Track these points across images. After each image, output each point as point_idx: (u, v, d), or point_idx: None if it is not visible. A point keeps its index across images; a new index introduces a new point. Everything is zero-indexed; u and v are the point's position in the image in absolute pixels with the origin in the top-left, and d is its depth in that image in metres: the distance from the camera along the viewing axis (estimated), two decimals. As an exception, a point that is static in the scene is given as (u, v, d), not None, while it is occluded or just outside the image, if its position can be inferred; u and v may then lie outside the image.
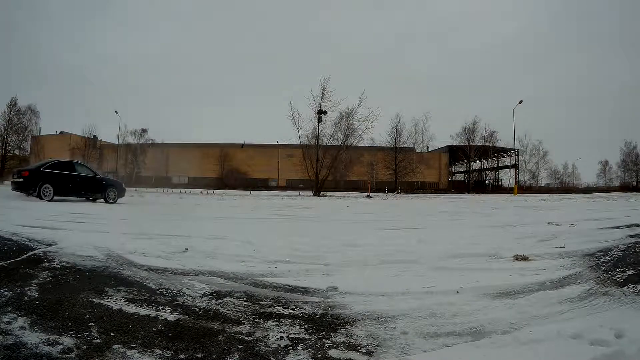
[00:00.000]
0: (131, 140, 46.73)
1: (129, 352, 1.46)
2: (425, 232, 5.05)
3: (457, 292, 2.26)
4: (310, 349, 1.55)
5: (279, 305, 2.07)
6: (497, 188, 44.77)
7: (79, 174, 10.67)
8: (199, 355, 1.48)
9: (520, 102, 32.26)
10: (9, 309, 1.80)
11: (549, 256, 3.19)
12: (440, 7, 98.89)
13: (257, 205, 11.59)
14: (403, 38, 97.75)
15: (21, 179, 9.85)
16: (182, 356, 1.46)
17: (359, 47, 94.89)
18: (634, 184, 44.75)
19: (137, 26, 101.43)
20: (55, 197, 9.94)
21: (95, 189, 10.78)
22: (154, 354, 1.46)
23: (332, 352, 1.53)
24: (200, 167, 46.34)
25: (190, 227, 5.16)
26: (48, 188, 9.77)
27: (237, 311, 1.96)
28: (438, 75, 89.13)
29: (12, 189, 10.17)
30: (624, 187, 41.81)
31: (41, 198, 9.64)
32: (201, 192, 25.02)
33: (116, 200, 10.93)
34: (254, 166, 47.34)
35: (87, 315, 1.80)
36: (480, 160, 48.92)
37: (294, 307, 2.05)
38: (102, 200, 10.78)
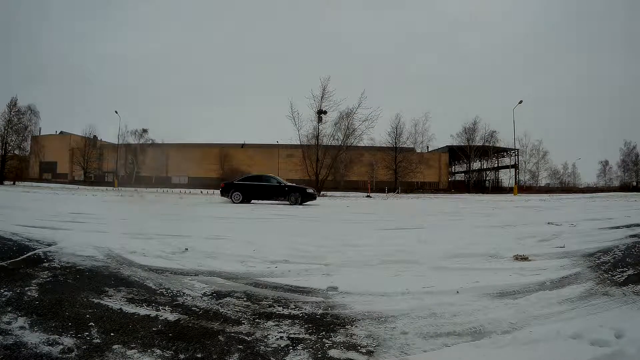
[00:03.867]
0: (131, 140, 46.78)
1: (129, 352, 1.46)
2: (425, 232, 5.05)
3: (457, 292, 2.26)
4: (310, 349, 1.55)
5: (279, 305, 2.06)
6: (497, 188, 44.77)
7: (266, 183, 13.65)
8: (199, 355, 1.48)
9: (520, 102, 32.23)
10: (9, 309, 1.81)
11: (549, 256, 3.19)
12: (441, 8, 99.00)
13: (256, 205, 11.60)
14: (403, 38, 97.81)
15: (220, 189, 13.94)
16: (182, 356, 1.46)
17: (359, 47, 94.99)
18: (634, 184, 44.75)
19: (137, 26, 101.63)
20: (245, 201, 13.09)
21: (279, 193, 13.31)
22: (154, 354, 1.46)
23: (332, 352, 1.53)
24: (200, 167, 46.38)
25: (190, 227, 5.16)
26: (238, 194, 13.16)
27: (237, 311, 1.96)
28: (438, 75, 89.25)
29: (221, 195, 13.93)
30: (624, 187, 41.81)
31: (233, 201, 12.97)
32: (201, 192, 25.02)
33: (298, 202, 12.95)
34: (254, 166, 47.23)
35: (87, 315, 1.80)
36: (480, 160, 48.92)
37: (294, 307, 2.05)
38: (287, 202, 13.08)
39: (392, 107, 79.93)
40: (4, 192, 16.10)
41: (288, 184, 14.05)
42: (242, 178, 14.34)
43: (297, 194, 13.24)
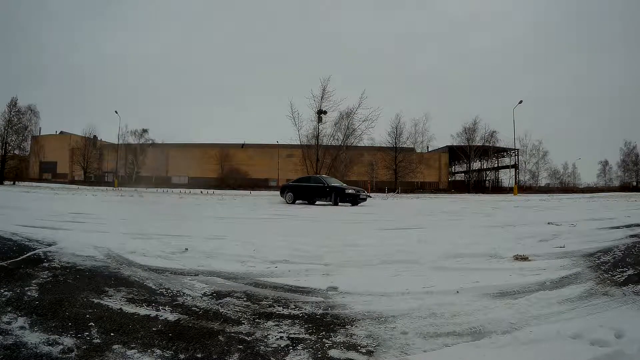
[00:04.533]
0: (131, 140, 46.79)
1: (129, 352, 1.46)
2: (425, 232, 5.05)
3: (457, 292, 2.26)
4: (310, 349, 1.55)
5: (279, 305, 2.07)
6: (497, 188, 44.76)
7: (312, 184, 14.02)
8: (199, 355, 1.48)
9: (520, 102, 32.25)
10: (9, 309, 1.81)
11: (549, 256, 3.19)
12: (441, 8, 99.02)
13: (257, 205, 11.59)
14: (403, 38, 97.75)
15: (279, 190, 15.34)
16: (182, 356, 1.46)
17: (359, 47, 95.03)
18: (634, 184, 44.75)
19: (137, 26, 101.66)
20: (298, 202, 13.73)
21: (322, 194, 13.50)
22: (154, 354, 1.46)
23: (332, 352, 1.53)
24: (200, 167, 46.38)
25: (190, 227, 5.17)
26: (290, 195, 13.90)
27: (237, 311, 1.96)
28: (438, 75, 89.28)
29: (280, 195, 14.80)
30: (624, 187, 41.81)
31: (287, 202, 13.66)
32: (201, 192, 25.02)
33: (337, 203, 12.78)
34: (254, 166, 47.34)
35: (87, 315, 1.80)
36: (480, 160, 48.91)
37: (294, 307, 2.05)
38: (330, 202, 13.07)
39: (392, 107, 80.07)
40: (4, 192, 16.10)
41: (331, 184, 13.68)
42: (296, 180, 15.15)
43: (336, 195, 12.88)
